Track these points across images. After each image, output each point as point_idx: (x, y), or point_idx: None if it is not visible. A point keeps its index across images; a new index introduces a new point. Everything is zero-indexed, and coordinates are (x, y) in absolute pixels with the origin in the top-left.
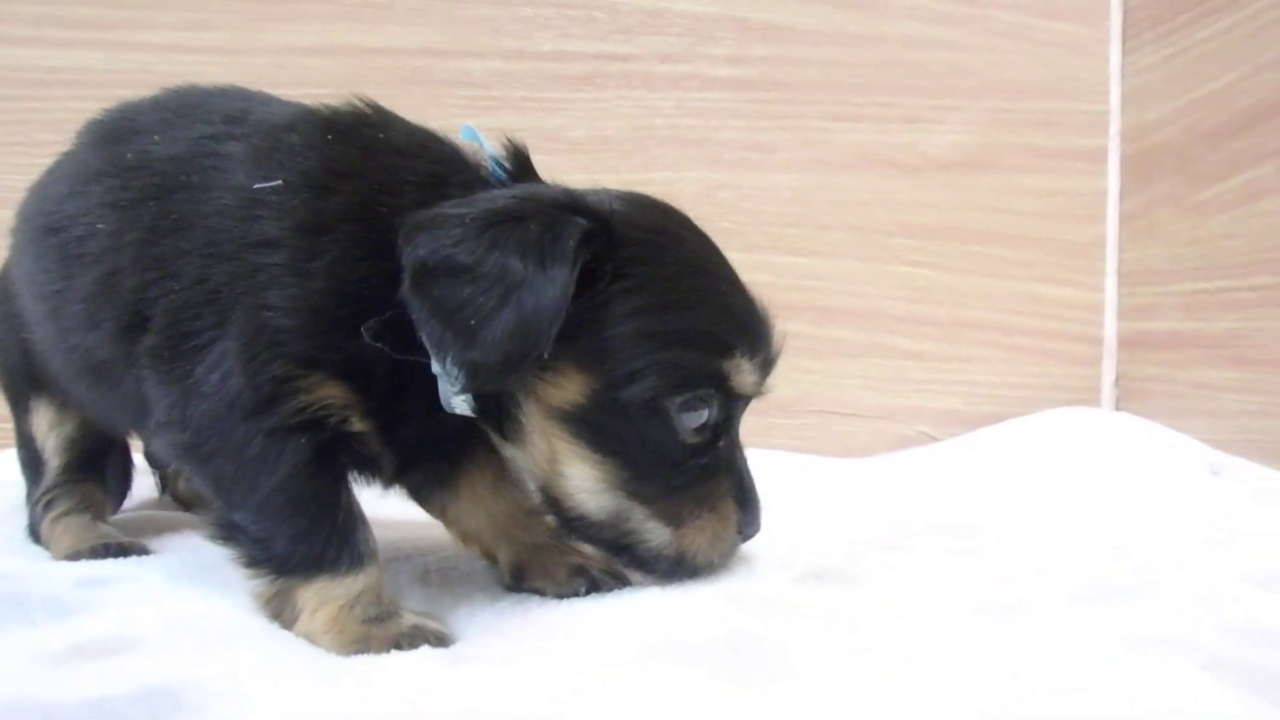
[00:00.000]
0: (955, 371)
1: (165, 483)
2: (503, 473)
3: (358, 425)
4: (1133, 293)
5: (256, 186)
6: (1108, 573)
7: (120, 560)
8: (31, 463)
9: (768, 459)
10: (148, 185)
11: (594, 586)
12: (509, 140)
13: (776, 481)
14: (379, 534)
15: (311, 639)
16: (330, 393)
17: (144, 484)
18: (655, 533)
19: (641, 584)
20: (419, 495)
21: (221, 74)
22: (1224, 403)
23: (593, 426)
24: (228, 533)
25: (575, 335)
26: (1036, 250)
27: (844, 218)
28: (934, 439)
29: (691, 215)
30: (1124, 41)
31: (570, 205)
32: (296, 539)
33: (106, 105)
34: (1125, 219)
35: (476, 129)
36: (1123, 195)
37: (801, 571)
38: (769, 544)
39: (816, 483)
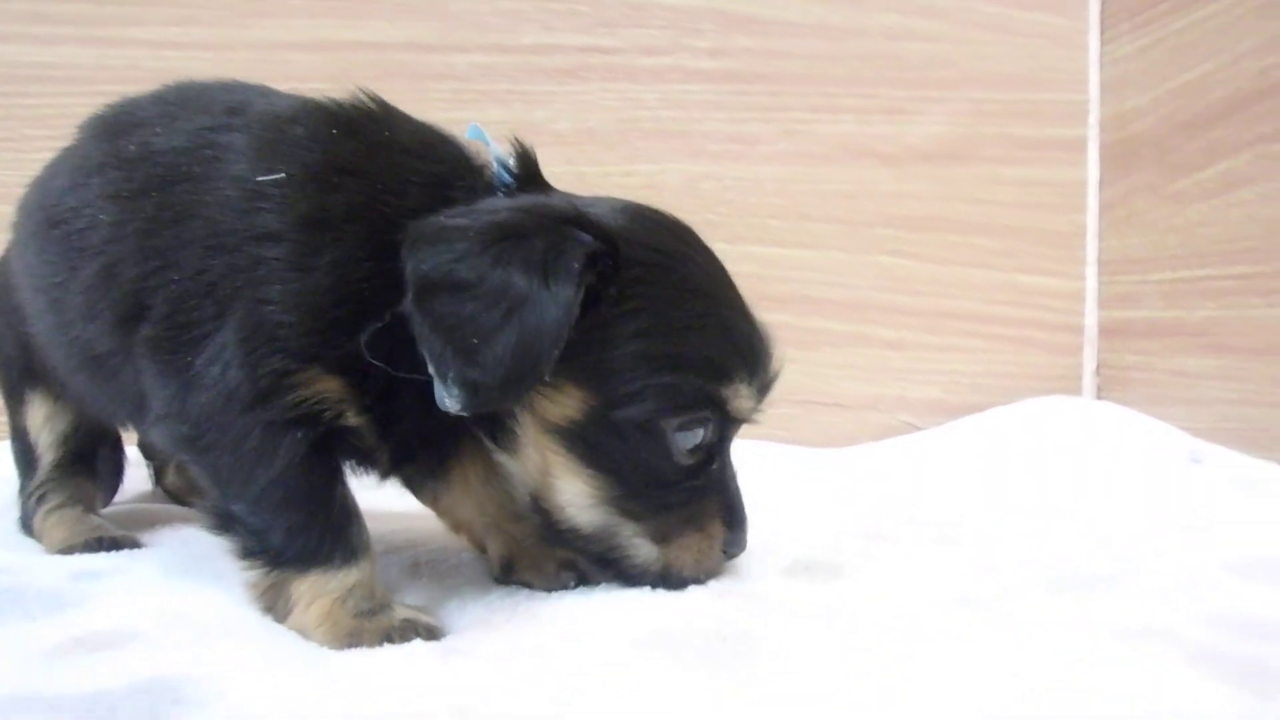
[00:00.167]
0: (937, 361)
1: (157, 475)
2: (494, 465)
3: (353, 420)
4: (1113, 281)
5: (259, 179)
6: (1090, 561)
7: (113, 554)
8: (25, 456)
9: (752, 449)
10: (149, 176)
11: (582, 580)
12: (516, 141)
13: (762, 472)
14: (370, 525)
15: (304, 632)
16: (327, 387)
17: (136, 476)
18: (642, 549)
19: None
20: (412, 484)
21: (209, 69)
22: (1203, 391)
23: (587, 443)
24: (224, 523)
25: (576, 353)
26: (1017, 240)
27: (826, 209)
28: (917, 428)
29: (675, 208)
30: (1102, 32)
31: (576, 220)
32: (292, 532)
33: (96, 101)
34: (1105, 208)
35: (482, 128)
36: (1102, 185)
37: (789, 564)
38: (757, 537)
39: (801, 473)
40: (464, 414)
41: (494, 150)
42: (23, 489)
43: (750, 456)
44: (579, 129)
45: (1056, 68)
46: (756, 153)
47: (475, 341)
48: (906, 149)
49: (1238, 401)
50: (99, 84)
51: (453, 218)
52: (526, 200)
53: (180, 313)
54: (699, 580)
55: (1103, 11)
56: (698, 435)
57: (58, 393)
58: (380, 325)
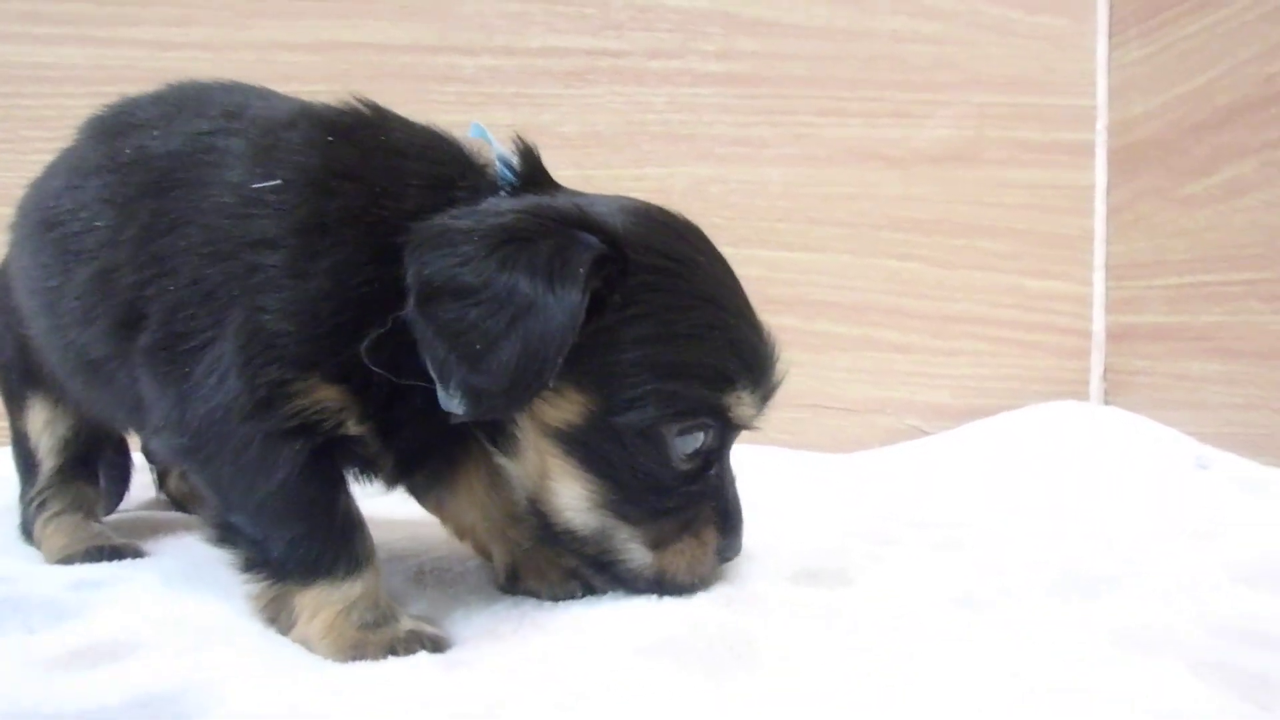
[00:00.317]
0: (944, 365)
1: (161, 481)
2: (498, 471)
3: (354, 428)
4: (1120, 286)
5: (254, 186)
6: (1095, 565)
7: (114, 562)
8: (25, 461)
9: (759, 454)
10: (145, 182)
11: (588, 590)
12: (519, 139)
13: (768, 477)
14: (373, 533)
15: (308, 644)
16: (326, 396)
17: (141, 482)
18: (636, 554)
19: None
20: (416, 491)
21: (209, 70)
22: (1209, 395)
23: (586, 447)
24: (225, 535)
25: (579, 358)
26: (1024, 244)
27: (832, 212)
28: (924, 432)
29: (682, 210)
30: (1110, 37)
31: (582, 223)
32: (294, 543)
33: (93, 102)
34: (1112, 213)
35: (485, 127)
36: (1109, 189)
37: (795, 570)
38: (763, 542)
39: (807, 477)
40: (466, 420)
41: (496, 149)
42: (23, 495)
43: (757, 461)
44: (586, 132)
45: (1063, 72)
46: (763, 156)
47: (480, 348)
48: (913, 152)
49: (1243, 406)
50: (97, 84)
51: (456, 219)
52: (532, 201)
53: (177, 321)
54: (693, 586)
55: (1110, 17)
56: (697, 441)
57: (58, 396)
58: (381, 331)
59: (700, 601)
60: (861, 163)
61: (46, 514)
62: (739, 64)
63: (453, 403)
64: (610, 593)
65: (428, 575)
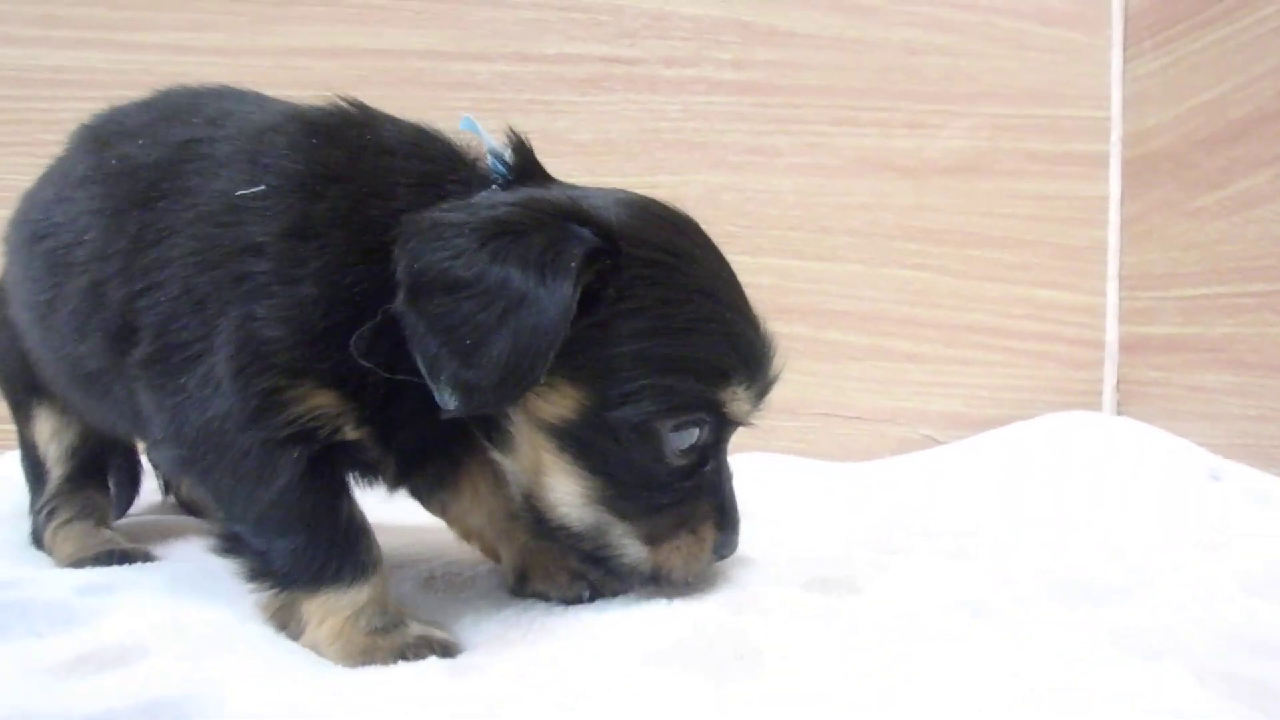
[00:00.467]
0: (957, 374)
1: (168, 486)
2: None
3: (352, 434)
4: (1133, 297)
5: (239, 193)
6: (1104, 574)
7: (124, 567)
8: (34, 470)
9: (770, 462)
10: (132, 192)
11: (596, 593)
12: (511, 132)
13: (779, 485)
14: (381, 538)
15: (318, 650)
16: (321, 402)
17: (148, 486)
18: (631, 549)
19: (644, 591)
20: (419, 494)
21: (224, 75)
22: (1222, 407)
23: (581, 442)
24: (230, 545)
25: (572, 352)
26: (1037, 254)
27: (846, 221)
28: (936, 442)
29: (696, 218)
30: (1124, 49)
31: (576, 215)
32: (298, 552)
33: (109, 105)
34: (1125, 224)
35: (475, 120)
36: (1123, 200)
37: (805, 578)
38: (773, 549)
39: (819, 486)
40: (457, 415)
41: (488, 143)
42: (33, 504)
43: (768, 469)
44: (600, 139)
45: (1078, 84)
46: (777, 165)
47: (470, 342)
48: (926, 163)
49: (1256, 418)
50: (113, 88)
51: (448, 212)
52: (525, 194)
53: (169, 333)
54: (687, 582)
55: (1125, 29)
56: (692, 436)
57: (64, 405)
58: (372, 326)
59: (710, 608)
60: (875, 173)
61: (56, 522)
62: (753, 73)
63: (443, 398)
64: (619, 597)
65: (438, 580)
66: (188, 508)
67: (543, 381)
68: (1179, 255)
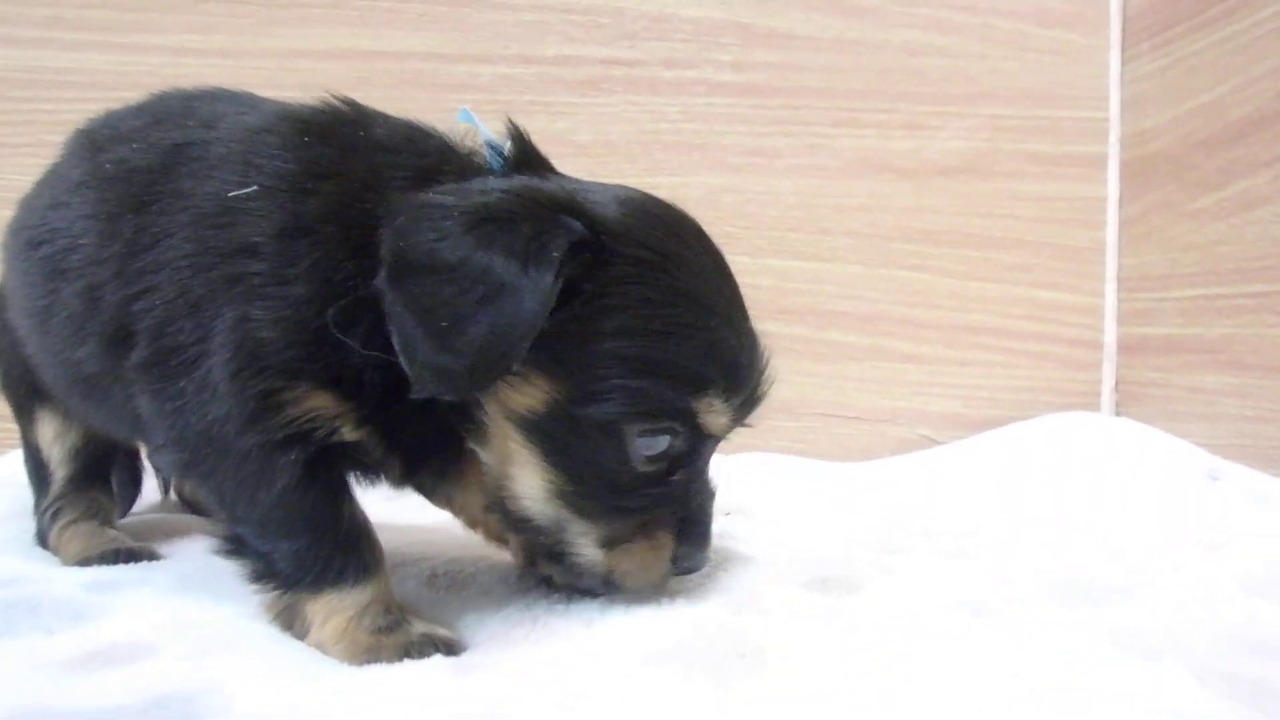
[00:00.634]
0: (956, 375)
1: (168, 486)
2: None
3: (351, 435)
4: (1131, 298)
5: (231, 194)
6: (1104, 574)
7: (130, 565)
8: (38, 472)
9: (769, 462)
10: (126, 196)
11: None
12: (510, 123)
13: (778, 485)
14: (384, 538)
15: (323, 649)
16: (318, 404)
17: (151, 485)
18: (587, 550)
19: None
20: (423, 489)
21: (227, 77)
22: (1221, 408)
23: (548, 436)
24: (234, 547)
25: (548, 344)
26: (1036, 255)
27: (845, 222)
28: (935, 442)
29: (696, 220)
30: (1123, 50)
31: (567, 207)
32: (300, 554)
33: (115, 107)
34: (1124, 225)
35: (472, 111)
36: (1122, 202)
37: (805, 577)
38: (773, 549)
39: (818, 486)
40: (428, 397)
41: (484, 134)
42: (37, 505)
43: (767, 469)
44: (600, 141)
45: (1076, 85)
46: (777, 166)
47: (447, 325)
48: (926, 164)
49: (1255, 419)
50: (118, 90)
51: (439, 195)
52: (520, 182)
53: (166, 337)
54: (641, 590)
55: (1124, 30)
56: (662, 444)
57: (65, 407)
58: (352, 300)
59: (710, 607)
60: (874, 174)
61: (61, 522)
62: (753, 75)
63: (416, 379)
64: (619, 597)
65: (440, 579)
66: (190, 506)
67: (516, 372)
68: (1178, 256)
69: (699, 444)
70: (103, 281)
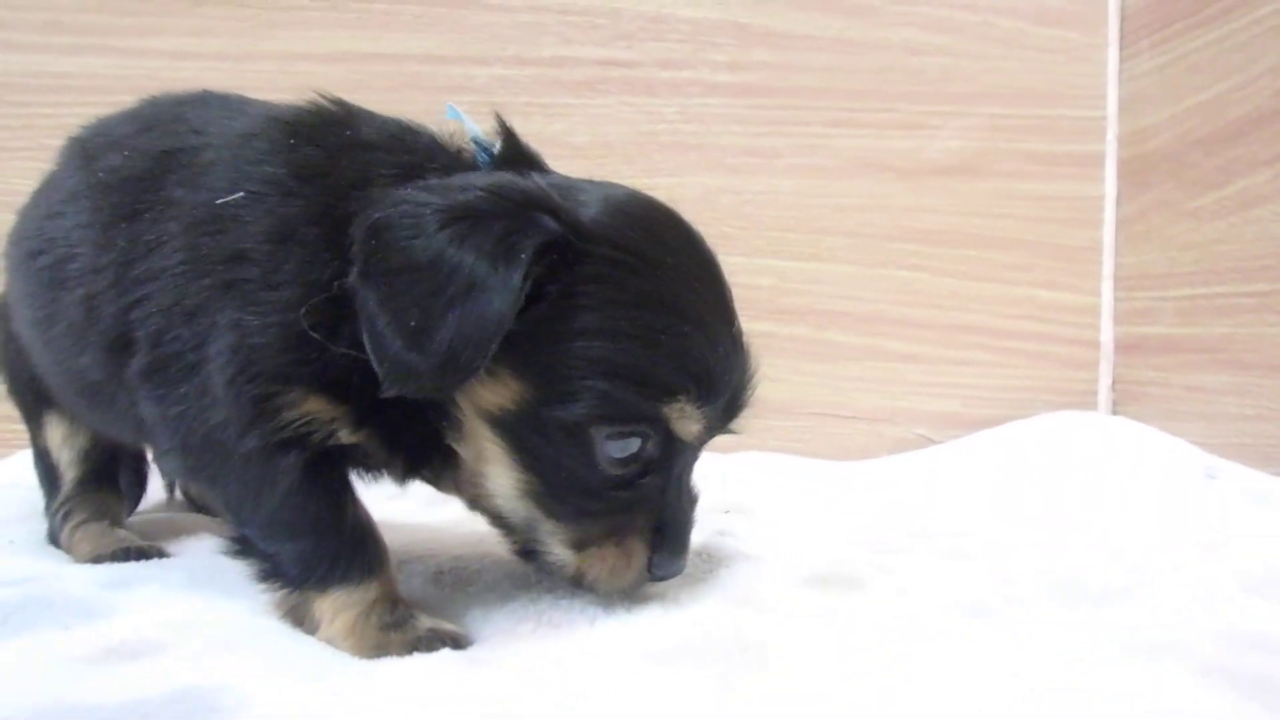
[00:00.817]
0: (953, 375)
1: (173, 486)
2: None
3: (350, 437)
4: (1129, 297)
5: (219, 201)
6: (1103, 574)
7: (140, 563)
8: (47, 475)
9: (767, 461)
10: (119, 205)
11: None
12: (499, 120)
13: (776, 484)
14: (390, 535)
15: (333, 645)
16: (314, 408)
17: (156, 485)
18: (557, 550)
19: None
20: (429, 480)
21: (225, 80)
22: (1219, 407)
23: (518, 435)
24: (241, 547)
25: (519, 343)
26: (1034, 255)
27: (842, 222)
28: (932, 441)
29: (693, 220)
30: (1121, 49)
31: (543, 205)
32: (306, 555)
33: (114, 111)
34: (1122, 224)
35: (467, 113)
36: (1120, 201)
37: (805, 576)
38: (771, 548)
39: (816, 486)
40: (395, 395)
41: (471, 131)
42: (48, 506)
43: (765, 469)
44: (597, 142)
45: (1074, 84)
46: (774, 166)
47: (416, 325)
48: (923, 163)
49: (1253, 418)
50: (117, 94)
51: (418, 191)
52: (498, 178)
53: (164, 344)
54: (612, 593)
55: (1122, 29)
56: (632, 447)
57: (72, 413)
58: (325, 297)
59: (711, 606)
60: (872, 174)
61: (72, 523)
62: (750, 75)
63: (384, 377)
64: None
65: (445, 575)
66: (196, 506)
67: (488, 370)
68: (1176, 255)
69: (672, 450)
70: (101, 290)
